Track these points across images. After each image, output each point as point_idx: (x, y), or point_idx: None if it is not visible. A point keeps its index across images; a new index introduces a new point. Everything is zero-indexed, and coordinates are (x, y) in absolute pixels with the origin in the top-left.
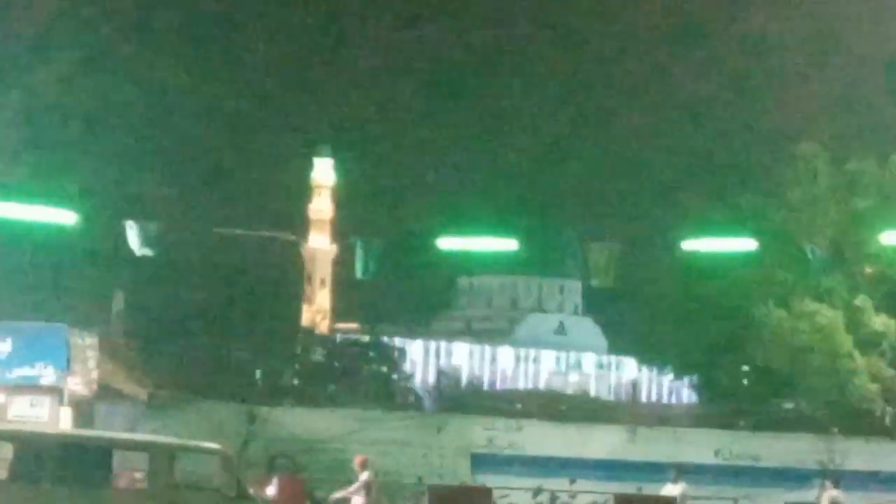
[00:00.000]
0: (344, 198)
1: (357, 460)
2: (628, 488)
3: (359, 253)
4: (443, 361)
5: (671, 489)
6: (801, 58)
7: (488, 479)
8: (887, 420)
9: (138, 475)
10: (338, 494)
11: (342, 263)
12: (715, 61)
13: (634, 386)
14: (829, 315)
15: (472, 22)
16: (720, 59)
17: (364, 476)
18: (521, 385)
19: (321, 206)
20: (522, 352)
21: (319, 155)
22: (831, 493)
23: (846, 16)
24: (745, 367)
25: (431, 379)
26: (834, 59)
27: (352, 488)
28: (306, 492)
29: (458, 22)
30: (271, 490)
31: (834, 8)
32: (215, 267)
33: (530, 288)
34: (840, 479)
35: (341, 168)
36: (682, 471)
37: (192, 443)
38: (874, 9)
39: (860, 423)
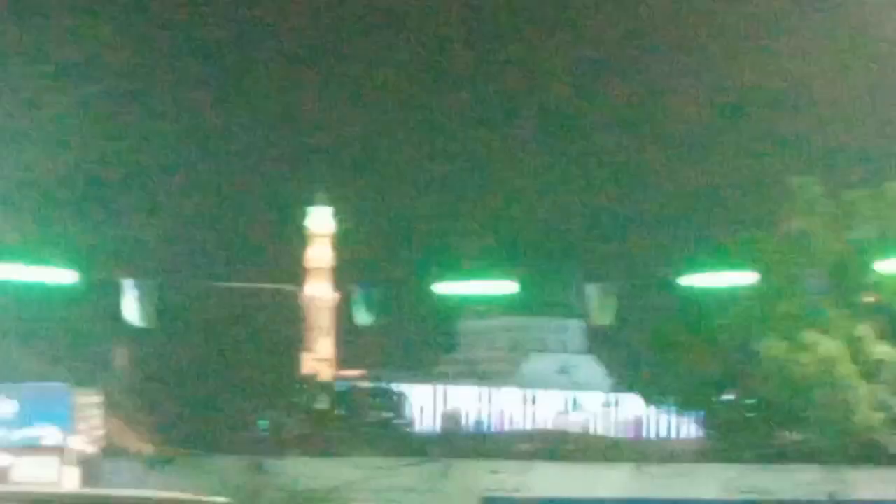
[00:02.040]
0: (342, 245)
1: None
2: None
3: (357, 300)
4: (447, 405)
5: None
6: (793, 89)
7: None
8: (893, 449)
9: None
10: None
11: (342, 311)
12: (710, 95)
13: (638, 423)
14: (829, 345)
15: (468, 64)
16: (715, 93)
17: None
18: (526, 426)
19: (320, 255)
20: (526, 393)
21: (317, 203)
22: None
23: (837, 45)
24: (749, 401)
25: (436, 423)
26: (827, 90)
27: None
28: None
29: (454, 64)
30: None
31: (825, 37)
32: (216, 319)
33: (532, 328)
34: None
35: (338, 215)
36: None
37: (200, 498)
38: (867, 35)
39: (866, 452)
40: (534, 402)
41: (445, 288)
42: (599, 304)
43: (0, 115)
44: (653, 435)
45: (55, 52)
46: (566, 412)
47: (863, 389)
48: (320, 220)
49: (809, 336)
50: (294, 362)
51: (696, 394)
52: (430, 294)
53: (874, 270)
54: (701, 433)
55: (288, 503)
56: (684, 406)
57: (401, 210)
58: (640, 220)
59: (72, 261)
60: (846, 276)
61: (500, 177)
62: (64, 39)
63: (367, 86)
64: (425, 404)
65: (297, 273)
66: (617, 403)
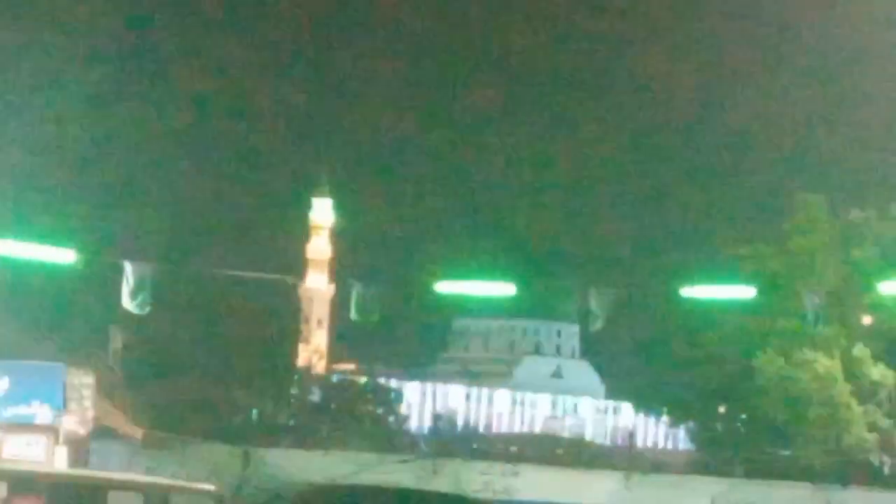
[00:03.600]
0: (342, 238)
1: None
2: None
3: (355, 295)
4: (439, 404)
5: None
6: (804, 109)
7: None
8: (885, 469)
9: None
10: None
11: (340, 304)
12: (717, 111)
13: (631, 432)
14: (826, 364)
15: (473, 66)
16: (722, 109)
17: None
18: (517, 429)
19: (319, 247)
20: (519, 395)
21: (318, 195)
22: None
23: (849, 69)
24: (743, 416)
25: (428, 421)
26: (837, 112)
27: None
28: None
29: (459, 66)
30: None
31: (837, 61)
32: (213, 307)
33: (527, 331)
34: None
35: (340, 208)
36: None
37: (187, 484)
38: (877, 62)
39: (857, 472)
40: (526, 404)
41: (443, 286)
42: (597, 309)
43: (5, 96)
44: (644, 444)
45: (62, 38)
46: (558, 416)
47: (857, 410)
48: (321, 212)
49: (807, 354)
50: (289, 353)
51: (689, 405)
52: (427, 291)
53: (874, 291)
54: (693, 445)
55: (276, 494)
56: (677, 417)
57: (402, 206)
58: (642, 229)
59: (72, 241)
60: (846, 296)
61: (503, 180)
62: (71, 25)
63: (372, 81)
64: (418, 401)
65: (295, 264)
66: (610, 410)
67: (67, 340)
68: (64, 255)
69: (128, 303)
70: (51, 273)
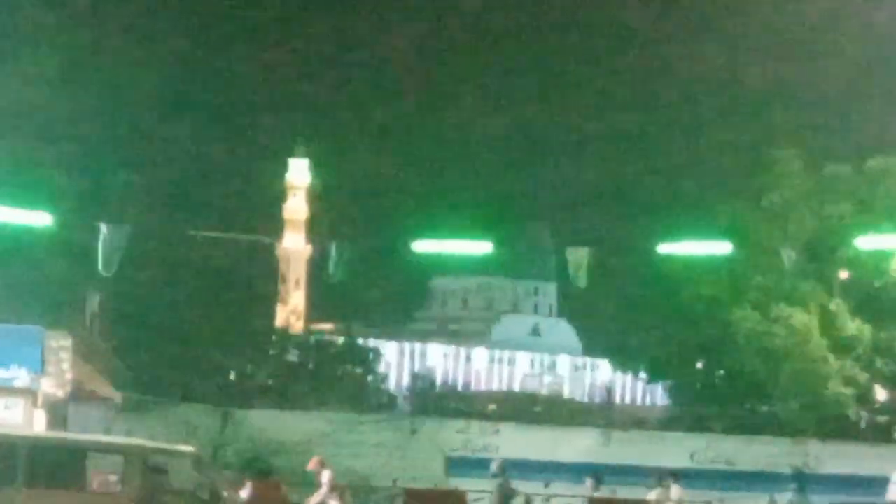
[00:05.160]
0: (319, 198)
1: (314, 462)
2: (603, 492)
3: (333, 254)
4: (417, 363)
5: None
6: (778, 63)
7: (463, 482)
8: (862, 424)
9: (112, 477)
10: (313, 500)
11: (317, 264)
12: (693, 66)
13: (609, 389)
14: (803, 319)
15: (451, 24)
16: (698, 64)
17: (327, 475)
18: (495, 387)
19: (296, 207)
20: (497, 353)
21: (295, 155)
22: (676, 490)
23: (823, 23)
24: (720, 371)
25: (406, 380)
26: (811, 66)
27: (323, 490)
28: (281, 495)
29: (437, 24)
30: (245, 493)
31: (812, 16)
32: (190, 268)
33: (505, 289)
34: (678, 474)
35: (316, 169)
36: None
37: (166, 445)
38: (851, 16)
39: (835, 427)
40: (504, 362)
41: (420, 245)
42: (574, 267)
43: None
44: (622, 401)
45: (41, 12)
46: (536, 374)
47: (834, 364)
48: (298, 172)
49: (783, 309)
50: (267, 314)
51: (667, 361)
52: (404, 250)
53: (851, 246)
54: (671, 401)
55: (255, 454)
56: (655, 373)
57: (379, 166)
58: (618, 187)
59: (48, 203)
60: (822, 251)
61: (480, 138)
62: None
63: (350, 42)
64: (396, 360)
65: (273, 223)
66: (587, 368)
67: (44, 303)
68: (39, 219)
69: (103, 265)
70: (27, 236)
